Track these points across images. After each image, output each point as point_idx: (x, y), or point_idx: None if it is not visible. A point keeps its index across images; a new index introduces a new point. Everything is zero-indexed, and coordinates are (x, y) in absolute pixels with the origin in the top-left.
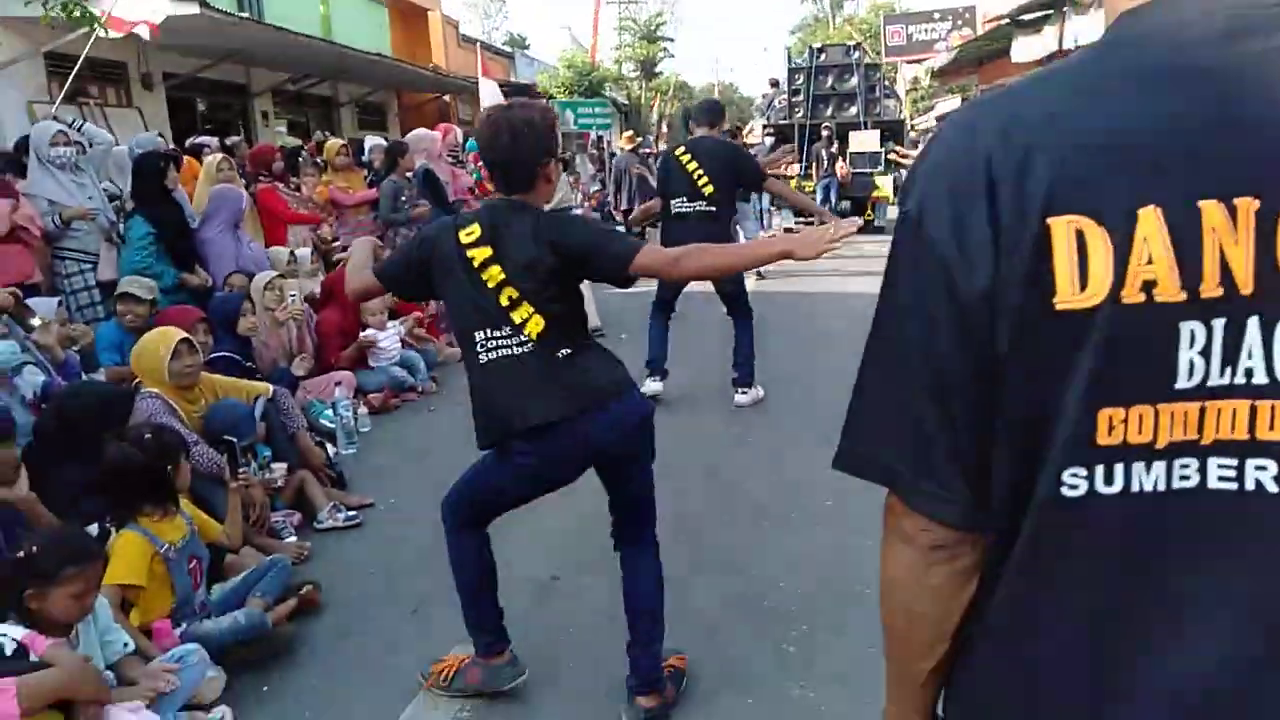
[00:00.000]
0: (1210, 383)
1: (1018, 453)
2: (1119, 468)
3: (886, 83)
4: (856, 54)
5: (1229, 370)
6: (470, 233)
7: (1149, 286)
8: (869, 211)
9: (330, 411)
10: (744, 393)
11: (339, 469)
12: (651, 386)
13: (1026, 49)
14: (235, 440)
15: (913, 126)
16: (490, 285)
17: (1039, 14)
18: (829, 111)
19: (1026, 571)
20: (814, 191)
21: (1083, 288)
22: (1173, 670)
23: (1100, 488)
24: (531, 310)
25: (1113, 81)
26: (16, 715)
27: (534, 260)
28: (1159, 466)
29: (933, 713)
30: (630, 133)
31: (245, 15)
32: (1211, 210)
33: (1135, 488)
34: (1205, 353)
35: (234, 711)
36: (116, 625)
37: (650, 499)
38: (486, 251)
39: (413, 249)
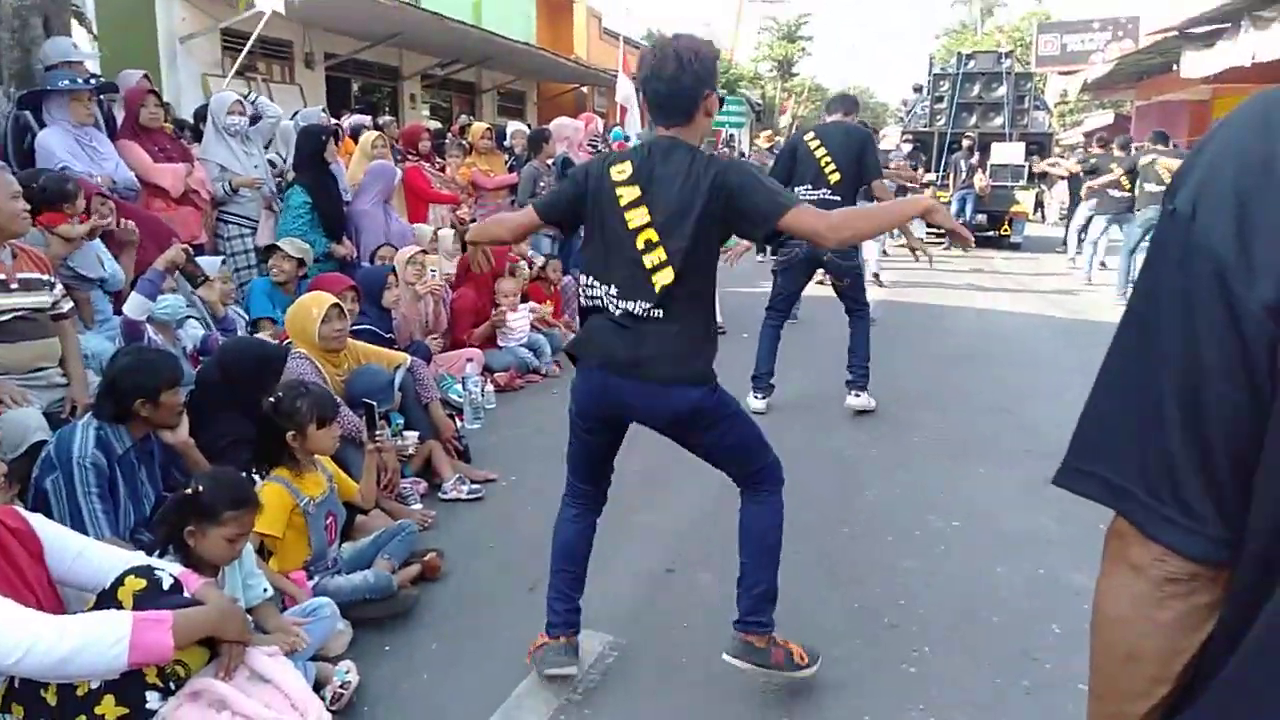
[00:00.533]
0: None
1: None
2: None
3: (1038, 93)
4: (1008, 62)
5: None
6: (621, 170)
7: None
8: (1006, 227)
9: (460, 386)
10: (857, 395)
11: (465, 442)
12: (755, 404)
13: (1197, 64)
14: (374, 404)
15: (1057, 141)
16: (631, 226)
17: (1211, 27)
18: (973, 120)
19: None
20: (949, 202)
21: None
22: None
23: None
24: (664, 259)
25: None
26: (171, 647)
27: (684, 205)
28: None
29: None
30: (769, 131)
31: (405, 0)
32: None
33: None
34: None
35: (358, 665)
36: (259, 571)
37: (737, 458)
38: (635, 191)
39: (568, 183)
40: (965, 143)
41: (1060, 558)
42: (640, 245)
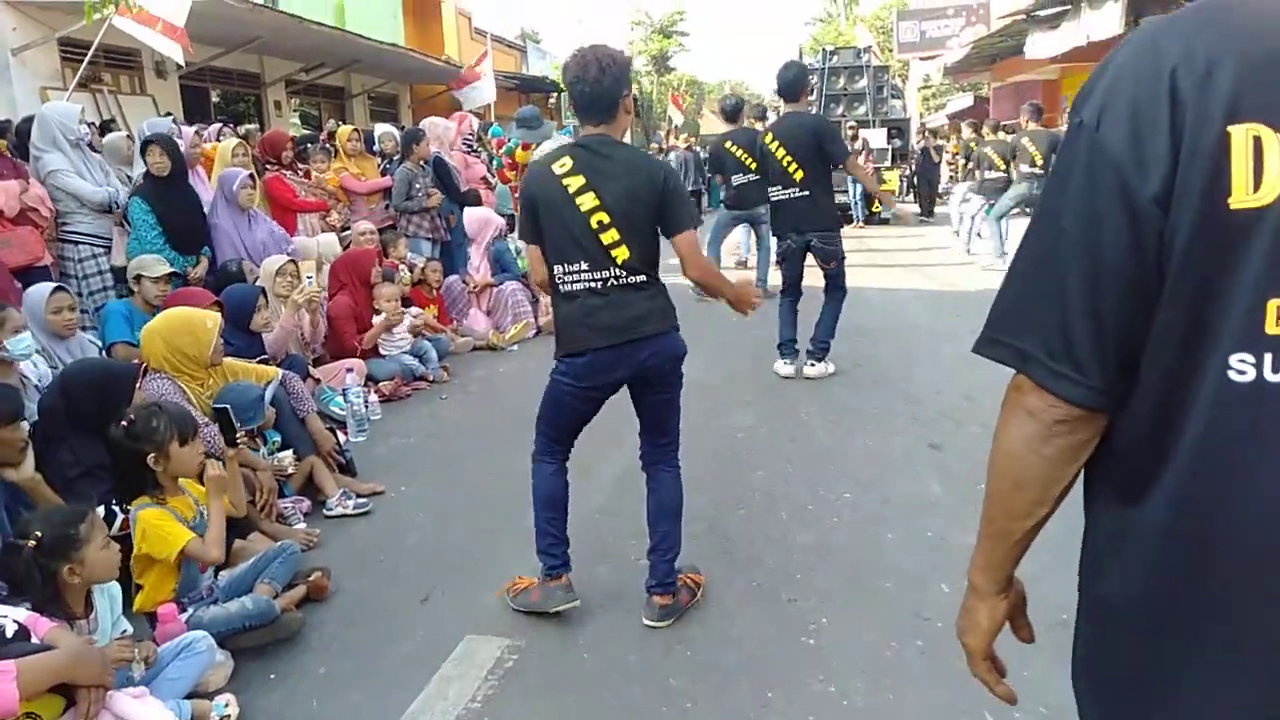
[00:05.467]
0: None
1: (1182, 343)
2: None
3: (894, 83)
4: (866, 56)
5: None
6: (562, 164)
7: None
8: (876, 205)
9: (341, 399)
10: (814, 365)
11: (349, 456)
12: (784, 369)
13: (1042, 45)
14: (227, 408)
15: (924, 124)
16: (583, 209)
17: (1055, 9)
18: (840, 110)
19: (1207, 459)
20: (845, 188)
21: (1256, 188)
22: None
23: (1269, 375)
24: (618, 237)
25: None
26: (14, 699)
27: (631, 192)
28: None
29: (1015, 567)
30: (686, 134)
31: (260, 2)
32: None
33: None
34: None
35: (240, 698)
36: (121, 616)
37: (673, 421)
38: (580, 180)
39: (522, 203)
40: (849, 131)
41: (945, 520)
42: (594, 225)
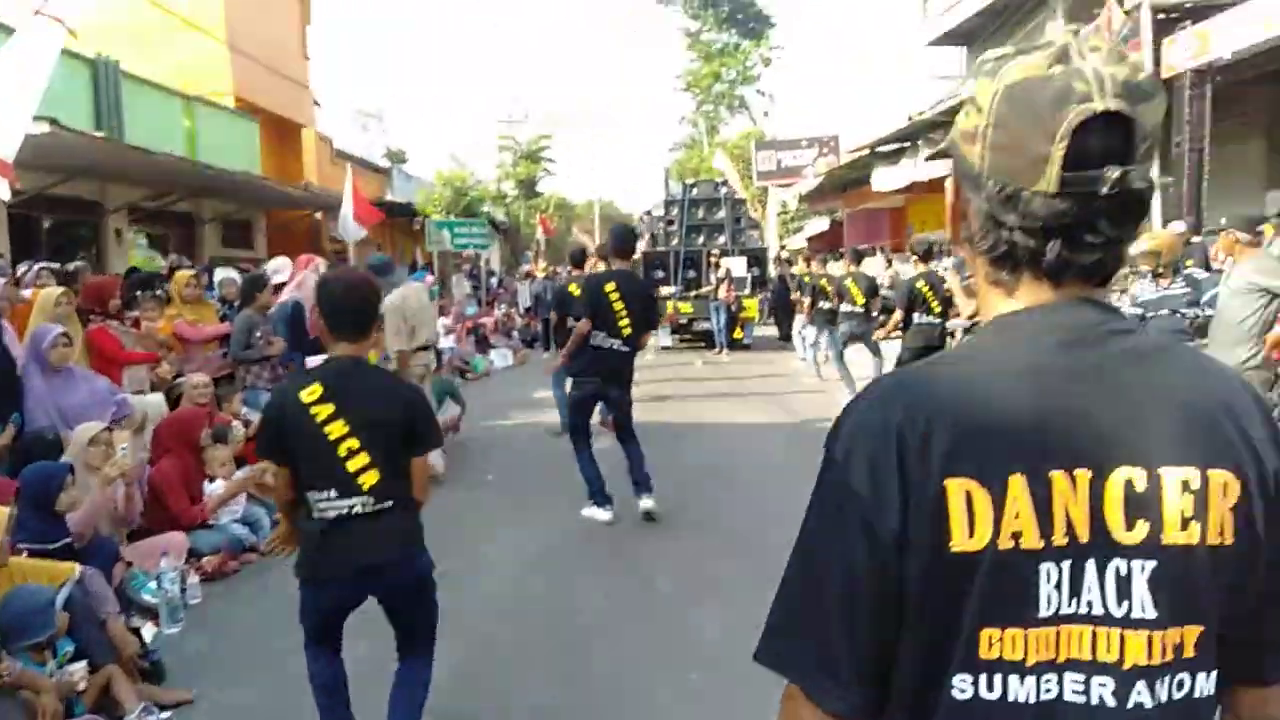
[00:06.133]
0: (1062, 611)
1: (920, 662)
2: (998, 678)
3: (752, 214)
4: (724, 189)
5: (1074, 601)
6: (311, 391)
7: (1017, 536)
8: (739, 330)
9: (154, 584)
10: (649, 497)
11: (156, 658)
12: (603, 516)
13: (886, 178)
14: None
15: (783, 247)
16: (331, 439)
17: (895, 145)
18: (701, 240)
19: None
20: (706, 314)
21: (970, 534)
22: None
23: (983, 693)
24: (369, 461)
25: (986, 376)
26: None
27: (382, 415)
28: (1030, 680)
29: None
30: (544, 264)
31: (101, 134)
32: (1059, 479)
33: (1011, 696)
34: (1058, 586)
35: None
36: None
37: (430, 624)
38: (329, 408)
39: (267, 414)
40: (712, 259)
41: None
42: (343, 453)
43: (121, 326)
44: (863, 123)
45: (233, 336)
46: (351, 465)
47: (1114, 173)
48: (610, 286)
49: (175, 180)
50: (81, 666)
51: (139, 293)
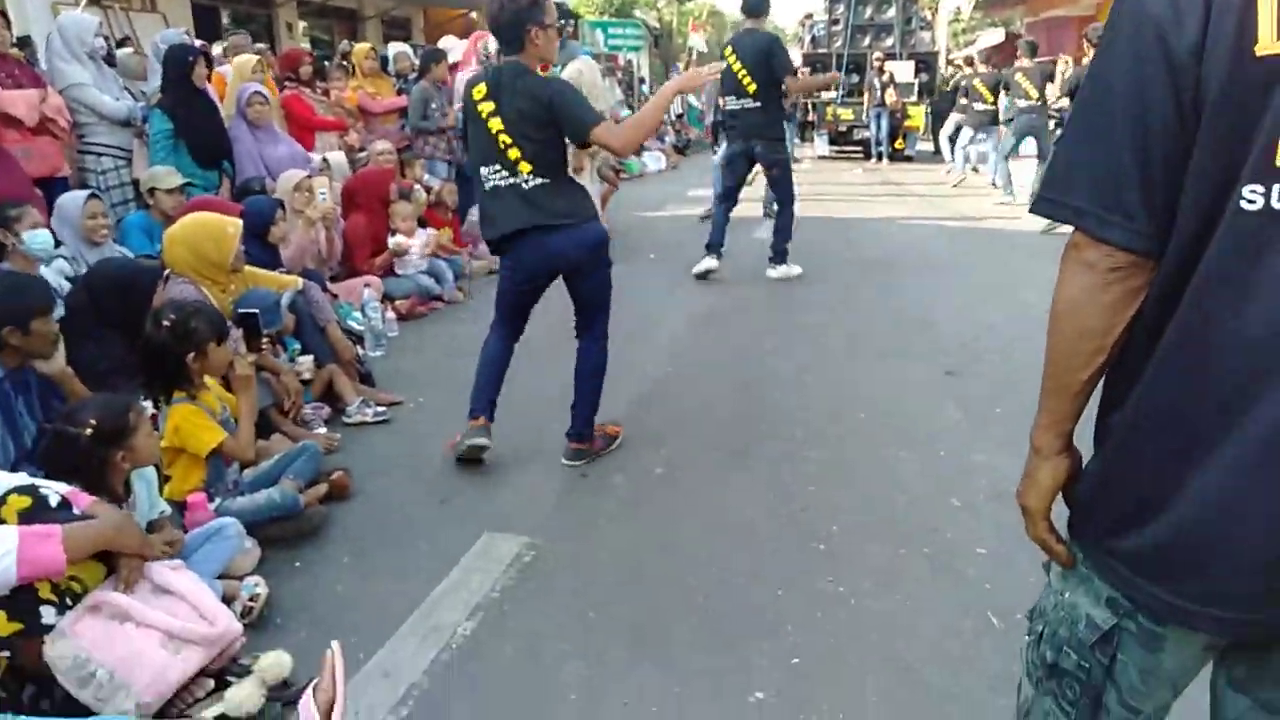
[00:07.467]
0: None
1: (1211, 175)
2: None
3: (924, 15)
4: None
5: None
6: (480, 90)
7: None
8: (901, 141)
9: (358, 314)
10: (775, 267)
11: (367, 368)
12: (709, 263)
13: None
14: (256, 313)
15: (950, 60)
16: (493, 131)
17: None
18: (866, 41)
19: (1214, 279)
20: (866, 122)
21: (1278, 37)
22: None
23: (1274, 203)
24: (520, 154)
25: None
26: (62, 559)
27: (525, 112)
28: None
29: (1075, 424)
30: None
31: None
32: None
33: None
34: None
35: (268, 582)
36: (159, 498)
37: (599, 305)
38: (490, 105)
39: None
40: (875, 63)
41: (960, 441)
42: (502, 145)
43: (313, 94)
44: None
45: (410, 108)
46: (510, 154)
47: None
48: (728, 50)
49: None
50: (309, 360)
51: (327, 62)
